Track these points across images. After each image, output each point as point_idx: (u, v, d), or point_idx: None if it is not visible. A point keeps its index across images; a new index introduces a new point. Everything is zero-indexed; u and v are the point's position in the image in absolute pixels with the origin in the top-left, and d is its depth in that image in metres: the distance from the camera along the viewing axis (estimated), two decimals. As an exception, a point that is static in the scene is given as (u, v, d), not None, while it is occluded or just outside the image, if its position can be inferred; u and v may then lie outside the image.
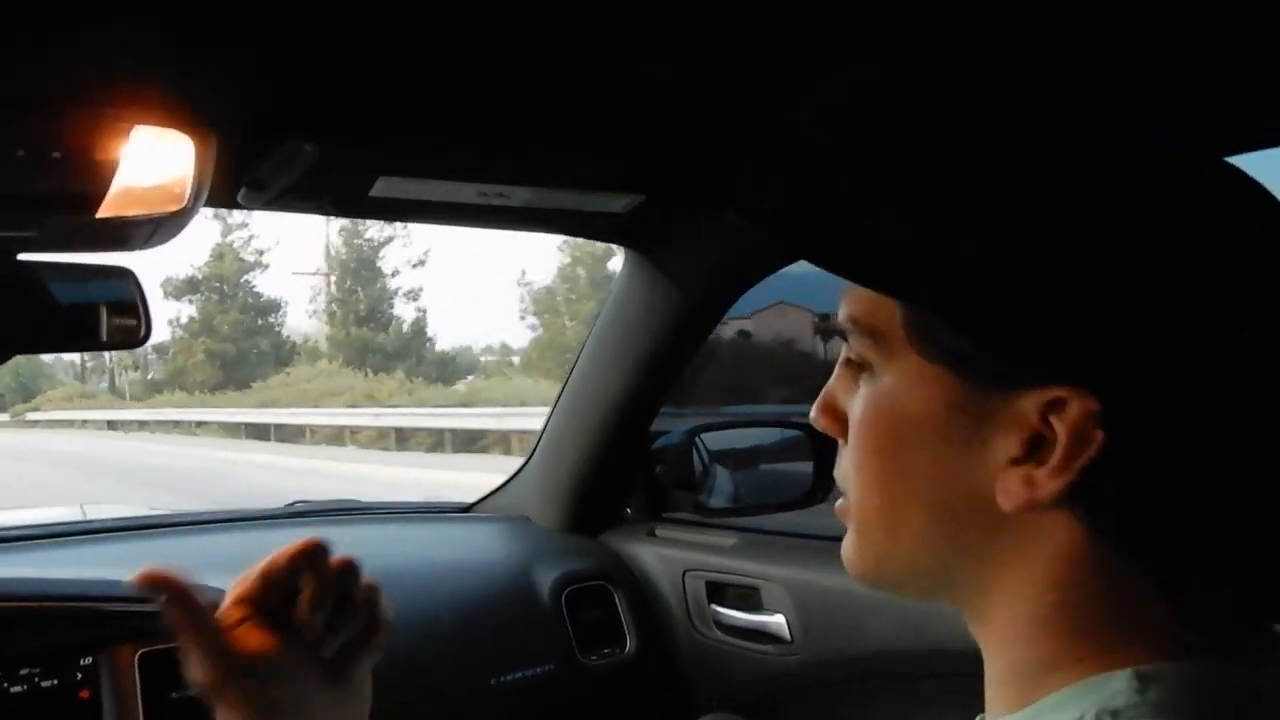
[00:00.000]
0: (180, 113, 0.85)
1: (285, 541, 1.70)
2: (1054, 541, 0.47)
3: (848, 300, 0.53)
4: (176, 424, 25.10)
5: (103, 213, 0.91)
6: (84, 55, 0.76)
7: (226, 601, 0.71)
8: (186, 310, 35.39)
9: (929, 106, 0.66)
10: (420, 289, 38.78)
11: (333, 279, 35.02)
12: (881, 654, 1.37)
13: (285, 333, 36.74)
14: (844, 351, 0.56)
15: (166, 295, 34.50)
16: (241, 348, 34.62)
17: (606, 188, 1.20)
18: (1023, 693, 0.49)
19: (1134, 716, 0.43)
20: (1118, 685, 0.45)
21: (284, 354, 35.27)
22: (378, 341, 33.65)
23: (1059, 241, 0.46)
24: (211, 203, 1.02)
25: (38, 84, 0.77)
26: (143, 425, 25.92)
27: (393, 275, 35.19)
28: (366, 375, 28.85)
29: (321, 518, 1.79)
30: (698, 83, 0.90)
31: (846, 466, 0.55)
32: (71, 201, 0.89)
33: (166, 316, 34.36)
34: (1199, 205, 0.48)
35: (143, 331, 1.11)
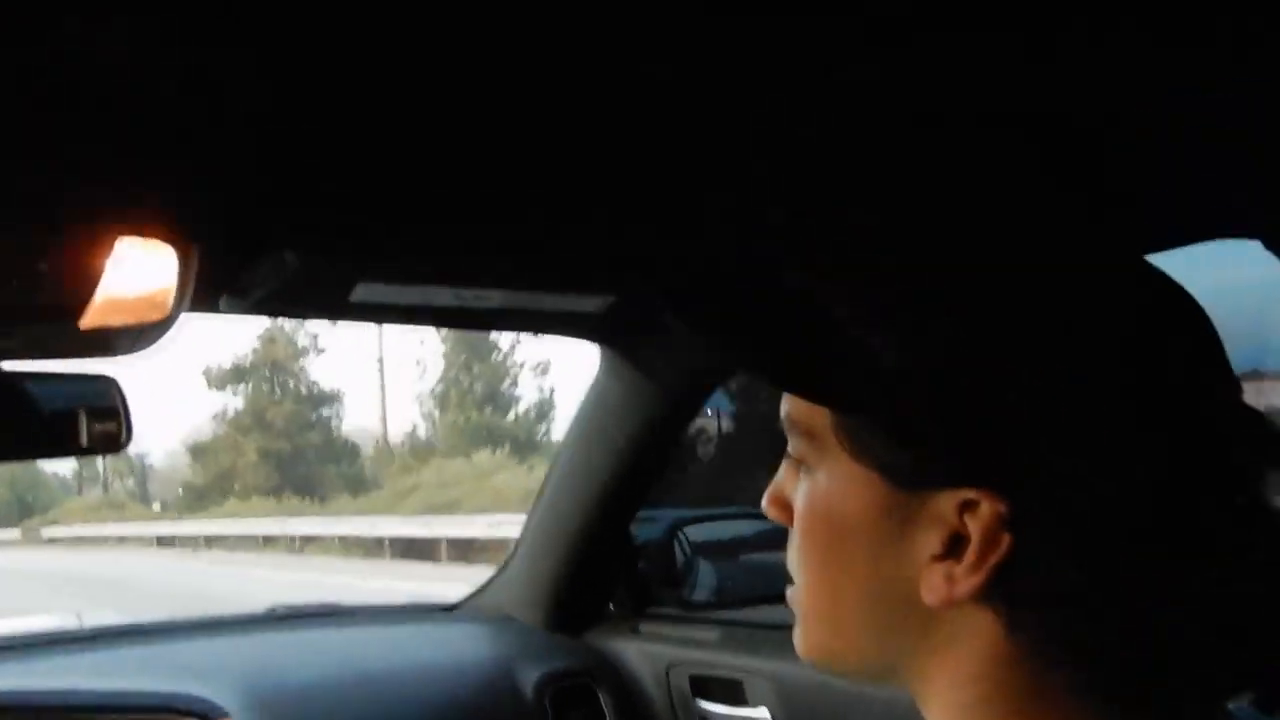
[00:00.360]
0: (163, 224, 0.88)
1: (267, 645, 1.70)
2: (977, 635, 0.49)
3: (786, 400, 0.55)
4: (261, 539, 20.40)
5: (86, 323, 0.93)
6: (68, 169, 0.79)
7: None
8: (232, 403, 30.38)
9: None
10: (549, 361, 29.11)
11: (443, 351, 27.61)
12: (868, 747, 1.36)
13: (343, 428, 31.50)
14: (789, 445, 0.58)
15: (210, 385, 29.90)
16: (297, 444, 29.88)
17: (580, 289, 1.23)
18: None
19: None
20: None
21: (339, 451, 30.65)
22: (503, 427, 27.45)
23: (968, 354, 0.48)
24: (194, 309, 1.05)
25: (23, 198, 0.80)
26: (209, 541, 21.35)
27: (512, 348, 27.70)
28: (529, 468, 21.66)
29: (302, 621, 1.78)
30: (663, 190, 0.94)
31: (790, 555, 0.57)
32: (54, 311, 0.92)
33: (210, 411, 30.29)
34: (1131, 313, 0.50)
35: (124, 437, 1.12)
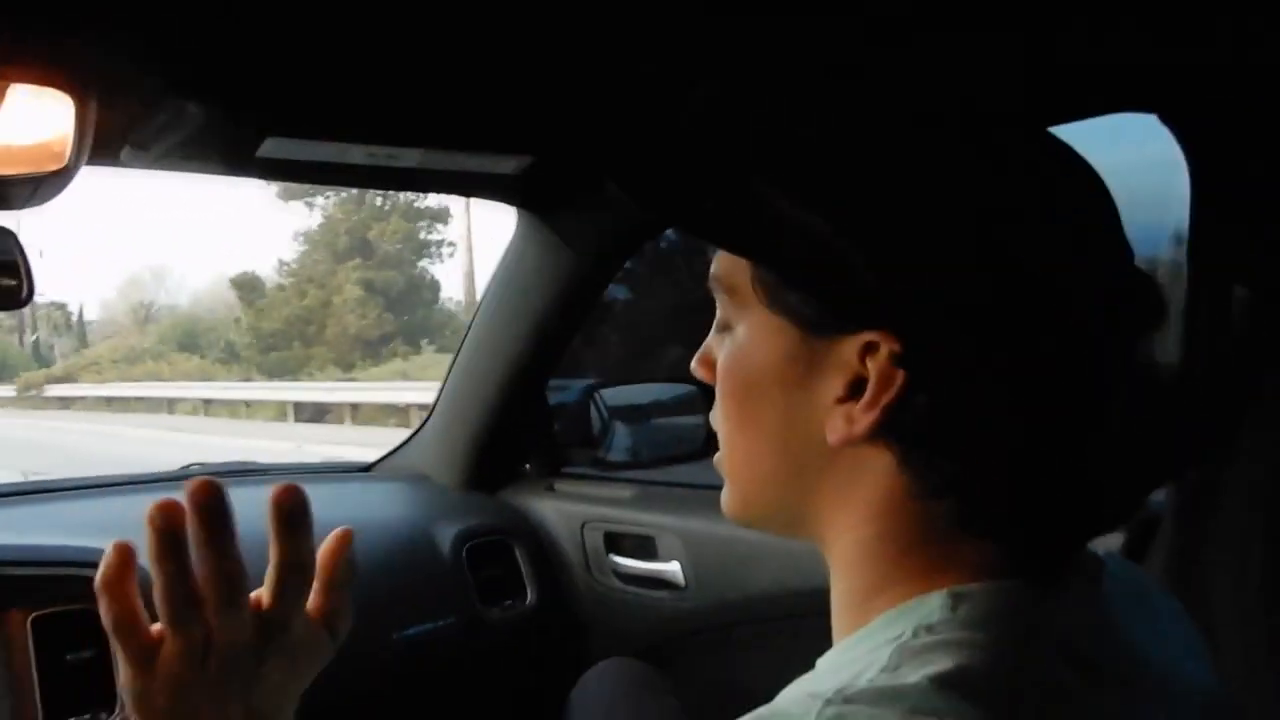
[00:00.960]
0: (59, 72, 0.85)
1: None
2: (874, 474, 0.53)
3: (714, 261, 0.59)
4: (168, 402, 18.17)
5: (-22, 173, 0.90)
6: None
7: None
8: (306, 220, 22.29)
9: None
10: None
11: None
12: (769, 595, 1.44)
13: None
14: (718, 309, 0.61)
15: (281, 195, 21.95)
16: (411, 278, 22.54)
17: (496, 149, 1.22)
18: (857, 617, 0.54)
19: (945, 630, 0.48)
20: (934, 604, 0.50)
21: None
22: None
23: (871, 206, 0.51)
24: (94, 161, 1.01)
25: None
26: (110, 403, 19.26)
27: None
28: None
29: (217, 479, 1.77)
30: (581, 46, 0.93)
31: (717, 414, 0.60)
32: (-55, 161, 0.88)
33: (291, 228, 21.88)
34: (1021, 176, 0.53)
35: (24, 292, 1.09)
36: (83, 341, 32.03)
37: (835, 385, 0.52)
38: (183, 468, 1.86)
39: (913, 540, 0.53)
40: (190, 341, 28.18)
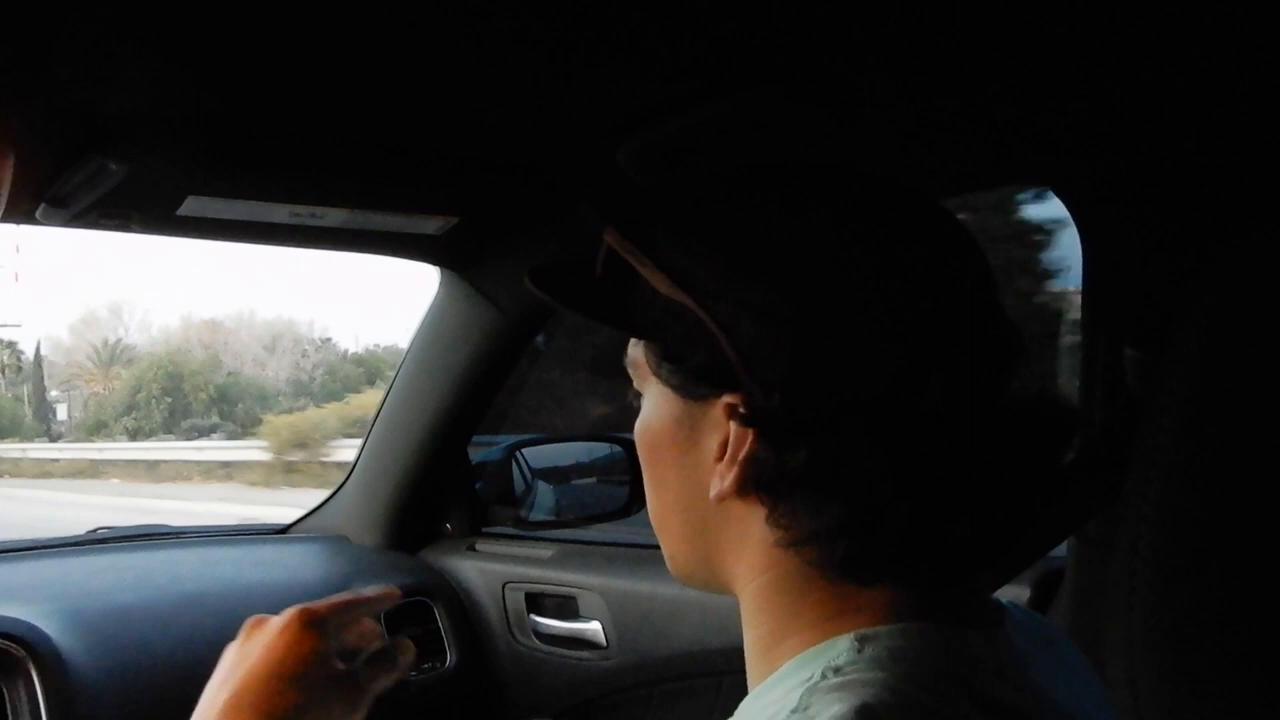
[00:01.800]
0: (-26, 128, 0.84)
1: (89, 567, 1.64)
2: (752, 528, 0.57)
3: (629, 347, 0.64)
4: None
5: (-112, 228, 0.88)
6: None
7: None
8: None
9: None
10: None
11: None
12: (690, 653, 1.45)
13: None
14: None
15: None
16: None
17: (421, 210, 1.23)
18: (766, 664, 0.57)
19: (853, 670, 0.50)
20: (841, 646, 0.52)
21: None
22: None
23: (723, 275, 0.55)
24: (8, 219, 1.00)
25: None
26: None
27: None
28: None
29: (126, 543, 1.73)
30: (509, 113, 0.95)
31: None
32: None
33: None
34: (863, 228, 0.55)
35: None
36: (39, 385, 30.17)
37: (711, 445, 0.56)
38: (90, 531, 1.80)
39: (802, 587, 0.55)
40: (174, 387, 27.29)
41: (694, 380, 0.57)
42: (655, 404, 0.61)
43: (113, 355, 31.58)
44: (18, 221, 1.08)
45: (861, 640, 0.52)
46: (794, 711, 0.49)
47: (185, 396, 27.16)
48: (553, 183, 1.13)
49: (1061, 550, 0.98)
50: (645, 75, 0.84)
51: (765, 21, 0.74)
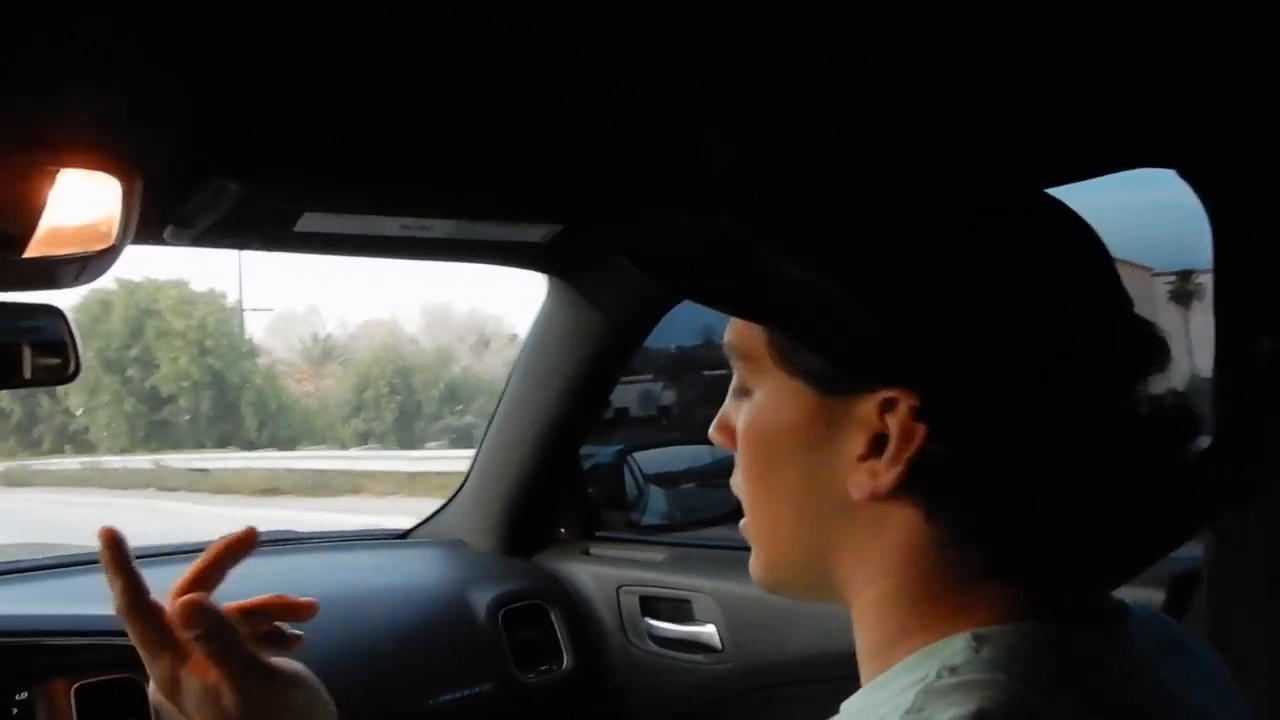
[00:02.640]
0: (106, 154, 0.88)
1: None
2: (897, 528, 0.54)
3: (727, 330, 0.61)
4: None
5: (30, 253, 0.93)
6: (10, 100, 0.79)
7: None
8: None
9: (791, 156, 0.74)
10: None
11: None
12: (807, 657, 1.43)
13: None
14: (734, 374, 0.63)
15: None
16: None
17: (525, 218, 1.24)
18: (881, 665, 0.55)
19: (969, 671, 0.49)
20: (957, 645, 0.51)
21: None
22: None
23: (884, 269, 0.54)
24: (138, 240, 1.05)
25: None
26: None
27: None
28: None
29: (264, 547, 1.80)
30: (609, 117, 0.95)
31: (736, 479, 0.62)
32: (-1, 243, 0.92)
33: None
34: (1015, 234, 0.55)
35: (71, 368, 1.13)
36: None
37: (856, 443, 0.54)
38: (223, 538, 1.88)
39: (934, 588, 0.54)
40: (404, 384, 24.46)
41: (841, 373, 0.54)
42: (776, 399, 0.57)
43: (325, 352, 28.36)
44: (147, 243, 1.13)
45: (978, 640, 0.51)
46: (908, 712, 0.48)
47: (415, 394, 24.84)
48: (651, 186, 1.13)
49: (1198, 551, 0.93)
50: (755, 78, 0.83)
51: (870, 21, 0.72)
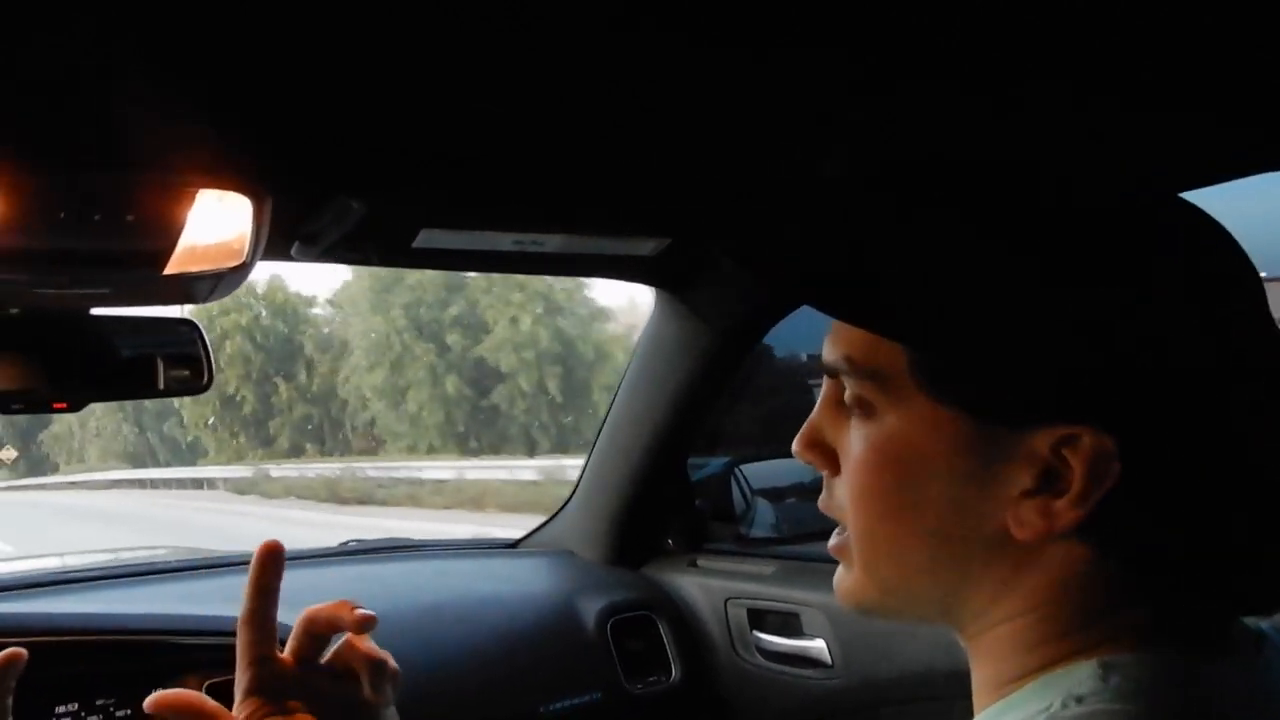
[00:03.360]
0: (240, 176, 0.93)
1: (340, 577, 1.76)
2: (1054, 564, 0.51)
3: (841, 341, 0.55)
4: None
5: (169, 269, 0.98)
6: (155, 126, 0.84)
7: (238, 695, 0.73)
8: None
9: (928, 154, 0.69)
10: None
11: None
12: (918, 675, 1.40)
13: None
14: (827, 387, 0.58)
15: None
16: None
17: (635, 232, 1.26)
18: (1002, 695, 0.52)
19: (1096, 701, 0.47)
20: (1083, 674, 0.49)
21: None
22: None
23: (1064, 291, 0.49)
24: (267, 256, 1.10)
25: (114, 153, 0.85)
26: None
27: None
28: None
29: (373, 555, 1.85)
30: (716, 131, 0.96)
31: (841, 500, 0.57)
32: (141, 259, 0.97)
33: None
34: (1191, 254, 0.52)
35: (205, 379, 1.18)
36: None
37: (1021, 478, 0.50)
38: (342, 544, 1.95)
39: (1075, 622, 0.51)
40: None
41: (1015, 405, 0.49)
42: (920, 426, 0.52)
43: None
44: (275, 259, 1.18)
45: (1106, 668, 0.48)
46: None
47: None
48: (760, 200, 1.13)
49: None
50: (857, 89, 0.83)
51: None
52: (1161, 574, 0.50)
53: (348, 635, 0.75)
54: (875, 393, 0.54)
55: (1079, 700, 0.47)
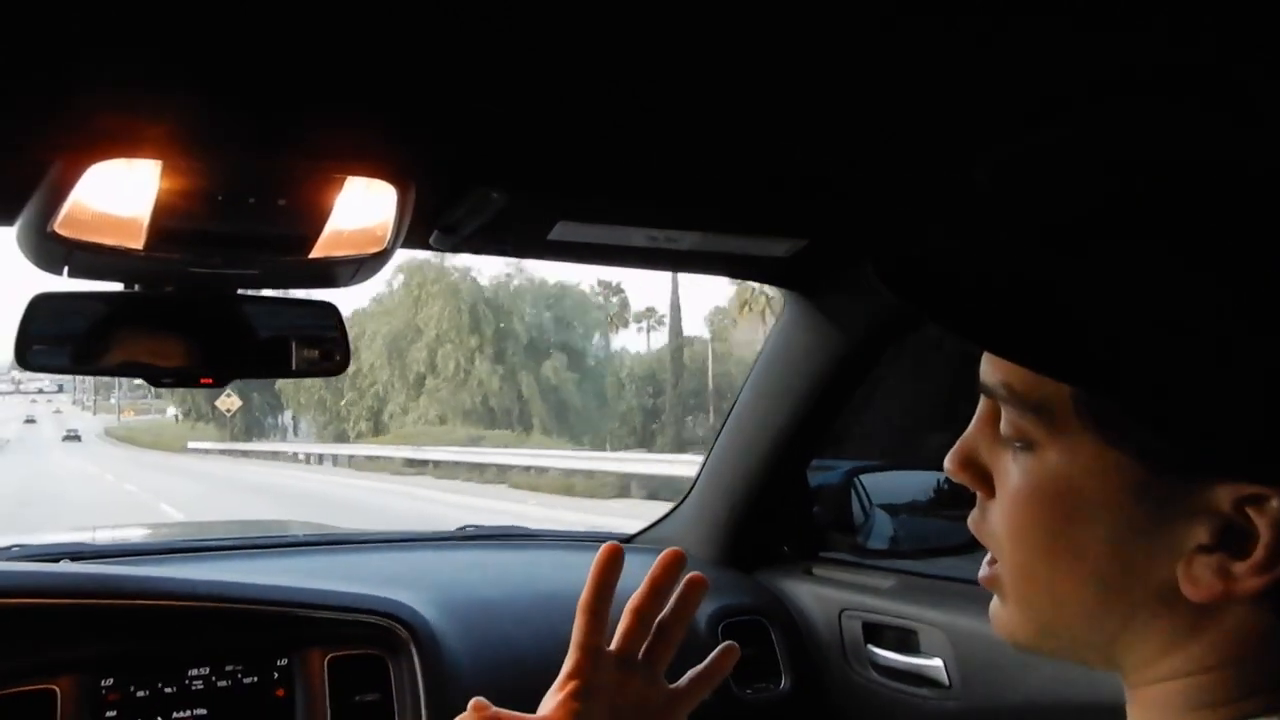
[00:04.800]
0: (386, 164, 0.95)
1: (456, 561, 1.79)
2: (1229, 626, 0.48)
3: (1002, 367, 0.52)
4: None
5: (315, 254, 1.01)
6: (307, 115, 0.86)
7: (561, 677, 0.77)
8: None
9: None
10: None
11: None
12: (1044, 706, 1.34)
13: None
14: (984, 406, 0.55)
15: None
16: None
17: (771, 232, 1.24)
18: None
19: None
20: None
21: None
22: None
23: (1262, 338, 0.45)
24: (407, 245, 1.12)
25: (269, 140, 0.88)
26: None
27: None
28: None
29: (491, 541, 1.88)
30: (861, 135, 0.94)
31: (996, 528, 0.54)
32: (289, 244, 1.00)
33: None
34: None
35: (339, 361, 1.21)
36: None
37: (1197, 533, 0.47)
38: (459, 529, 1.98)
39: (1255, 685, 0.47)
40: None
41: (1200, 458, 0.45)
42: (1087, 466, 0.48)
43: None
44: (413, 247, 1.20)
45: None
46: None
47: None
48: (902, 203, 1.10)
49: None
50: (1016, 81, 0.79)
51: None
52: None
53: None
54: (1036, 426, 0.50)
55: None
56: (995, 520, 0.54)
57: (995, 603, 0.56)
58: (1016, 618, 0.55)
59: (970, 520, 0.57)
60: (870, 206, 1.14)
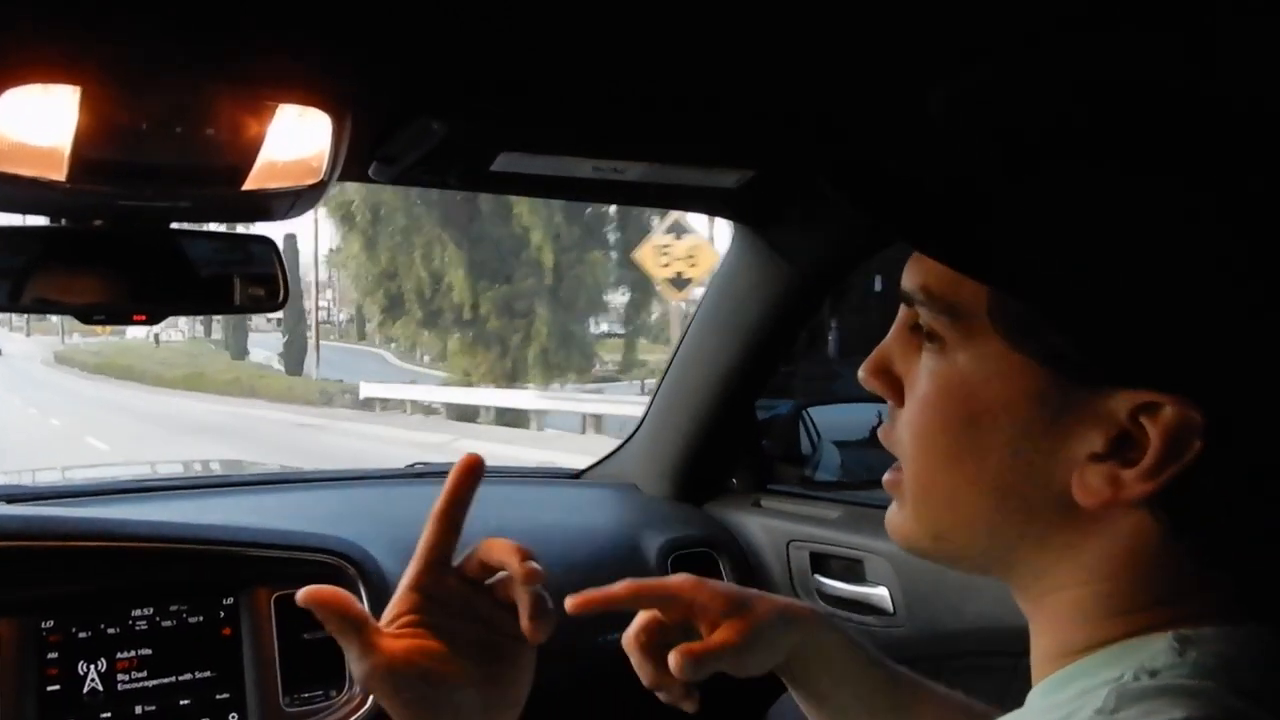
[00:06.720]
0: (320, 92, 0.91)
1: (406, 497, 1.78)
2: (1121, 534, 0.48)
3: (921, 270, 0.52)
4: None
5: (248, 185, 0.98)
6: (235, 40, 0.82)
7: (400, 587, 0.71)
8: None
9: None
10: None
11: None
12: (984, 630, 1.38)
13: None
14: (902, 315, 0.56)
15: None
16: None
17: (718, 163, 1.22)
18: (1060, 662, 0.50)
19: (1172, 676, 0.44)
20: (1158, 646, 0.46)
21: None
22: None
23: (1182, 256, 0.45)
24: (345, 176, 1.09)
25: (194, 67, 0.84)
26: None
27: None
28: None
29: (439, 478, 1.87)
30: (809, 62, 0.92)
31: (901, 434, 0.55)
32: (221, 175, 0.96)
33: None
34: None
35: (281, 296, 1.19)
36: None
37: (1092, 440, 0.47)
38: (408, 466, 1.97)
39: (1145, 595, 0.48)
40: None
41: (1091, 362, 0.46)
42: (993, 369, 0.49)
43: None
44: (351, 179, 1.17)
45: (1183, 642, 0.46)
46: (1098, 711, 0.44)
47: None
48: (850, 134, 1.09)
49: None
50: (973, 11, 0.77)
51: None
52: (1242, 550, 0.47)
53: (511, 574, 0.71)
54: (948, 328, 0.51)
55: (1152, 674, 0.45)
56: (902, 426, 0.55)
57: (893, 507, 0.57)
58: (910, 521, 0.56)
59: (880, 431, 0.58)
60: (819, 135, 1.12)
